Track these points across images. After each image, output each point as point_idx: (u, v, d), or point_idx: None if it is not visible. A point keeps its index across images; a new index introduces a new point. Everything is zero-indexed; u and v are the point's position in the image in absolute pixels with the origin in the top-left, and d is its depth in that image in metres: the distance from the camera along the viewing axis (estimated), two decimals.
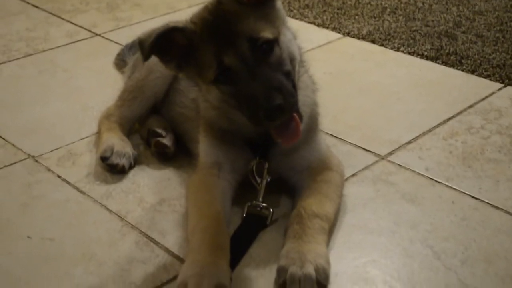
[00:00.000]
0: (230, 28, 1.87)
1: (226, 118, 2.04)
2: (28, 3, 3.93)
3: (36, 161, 2.41)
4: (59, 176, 2.32)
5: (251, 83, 1.83)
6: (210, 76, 1.90)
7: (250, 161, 2.09)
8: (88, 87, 2.93)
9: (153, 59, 2.37)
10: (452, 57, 3.14)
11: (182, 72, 2.01)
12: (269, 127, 1.88)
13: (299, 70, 2.01)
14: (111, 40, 3.42)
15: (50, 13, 3.79)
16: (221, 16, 1.89)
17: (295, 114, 1.88)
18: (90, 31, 3.54)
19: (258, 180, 2.07)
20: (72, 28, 3.58)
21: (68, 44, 3.40)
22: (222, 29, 1.87)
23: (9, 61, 3.23)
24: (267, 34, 1.88)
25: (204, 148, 2.12)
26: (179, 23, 1.93)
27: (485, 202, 2.16)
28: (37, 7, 3.88)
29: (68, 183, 2.28)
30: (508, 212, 2.12)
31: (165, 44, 1.91)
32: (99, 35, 3.50)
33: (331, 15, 3.62)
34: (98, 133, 2.46)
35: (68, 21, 3.68)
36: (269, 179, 2.07)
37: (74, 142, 2.51)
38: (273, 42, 1.89)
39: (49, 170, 2.35)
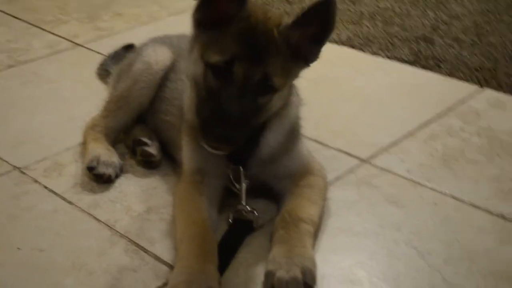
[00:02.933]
0: (265, 50, 1.90)
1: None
2: (8, 14, 3.93)
3: (22, 172, 2.42)
4: (46, 187, 2.33)
5: (226, 98, 1.87)
6: (212, 59, 1.91)
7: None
8: (72, 97, 2.95)
9: (139, 69, 2.41)
10: (430, 61, 3.20)
11: (198, 31, 2.00)
12: (205, 139, 1.93)
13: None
14: (93, 50, 3.43)
15: (31, 24, 3.79)
16: (271, 35, 1.92)
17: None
18: (72, 42, 3.55)
19: (237, 185, 2.09)
20: (54, 39, 3.59)
21: (50, 55, 3.41)
22: (261, 42, 1.90)
23: None
24: (279, 82, 1.93)
25: (187, 154, 2.15)
26: None
27: (466, 202, 2.22)
28: (17, 18, 3.88)
29: (55, 193, 2.29)
30: (488, 212, 2.17)
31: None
32: (81, 45, 3.51)
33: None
34: (84, 144, 2.47)
35: (49, 32, 3.68)
36: (247, 183, 2.09)
37: (59, 153, 2.52)
38: (275, 91, 1.94)
39: (36, 181, 2.36)
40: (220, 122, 1.86)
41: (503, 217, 2.14)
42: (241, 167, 2.08)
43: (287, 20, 1.95)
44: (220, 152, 1.97)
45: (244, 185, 2.08)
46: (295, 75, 2.04)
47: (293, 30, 1.93)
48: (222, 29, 1.93)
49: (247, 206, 2.07)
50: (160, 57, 2.48)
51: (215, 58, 1.91)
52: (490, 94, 2.91)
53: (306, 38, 1.94)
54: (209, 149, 1.95)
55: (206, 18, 1.96)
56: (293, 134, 2.16)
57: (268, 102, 1.95)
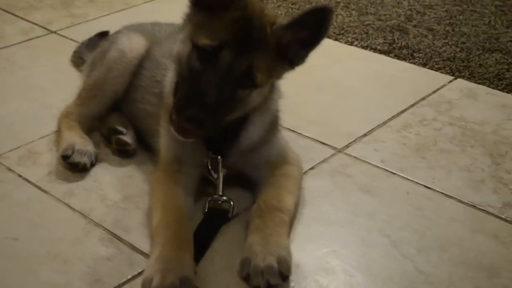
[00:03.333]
0: (254, 45, 1.90)
1: None
2: None
3: None
4: (20, 176, 2.31)
5: (206, 83, 1.88)
6: (201, 41, 1.91)
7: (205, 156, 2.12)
8: (46, 85, 2.92)
9: (113, 56, 2.39)
10: (404, 51, 3.23)
11: (195, 9, 1.99)
12: (176, 117, 1.93)
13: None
14: (67, 37, 3.40)
15: (3, 10, 3.74)
16: (264, 31, 1.92)
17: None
18: (45, 28, 3.52)
19: (214, 175, 2.10)
20: (27, 25, 3.55)
21: (23, 41, 3.37)
22: (251, 37, 1.90)
23: None
24: (261, 78, 1.93)
25: (165, 142, 2.15)
26: None
27: (439, 191, 2.25)
28: None
29: (30, 182, 2.28)
30: (460, 201, 2.20)
31: None
32: (55, 32, 3.48)
33: (286, 10, 3.67)
34: (58, 132, 2.46)
35: (22, 18, 3.64)
36: (224, 173, 2.10)
37: (34, 141, 2.50)
38: (256, 87, 1.95)
39: (9, 169, 2.35)
40: (194, 103, 1.86)
41: (474, 206, 2.18)
42: (219, 157, 2.08)
43: (282, 20, 1.96)
44: (189, 139, 1.98)
45: (221, 175, 2.09)
46: (279, 75, 2.05)
47: (286, 31, 1.94)
48: (218, 13, 1.93)
49: (223, 197, 2.08)
50: (135, 45, 2.47)
51: (204, 41, 1.91)
52: (462, 84, 2.95)
53: (297, 41, 1.95)
54: (177, 136, 1.95)
55: None
56: (273, 126, 2.18)
57: (247, 96, 1.96)
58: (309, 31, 1.93)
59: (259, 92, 2.00)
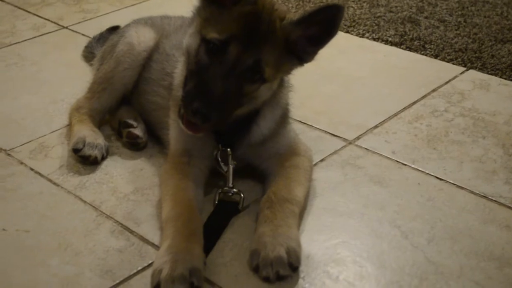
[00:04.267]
0: (262, 39, 1.90)
1: None
2: None
3: (8, 154, 2.41)
4: (32, 169, 2.33)
5: (213, 76, 1.88)
6: (209, 35, 1.91)
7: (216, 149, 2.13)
8: (57, 80, 2.94)
9: (121, 50, 2.40)
10: (415, 42, 3.21)
11: (204, 2, 2.00)
12: (184, 110, 1.92)
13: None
14: (78, 33, 3.42)
15: (16, 6, 3.77)
16: (273, 26, 1.92)
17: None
18: (57, 24, 3.53)
19: (224, 167, 2.11)
20: (39, 21, 3.57)
21: (35, 37, 3.39)
22: (259, 31, 1.90)
23: None
24: (269, 72, 1.93)
25: (174, 135, 2.15)
26: None
27: (450, 182, 2.24)
28: (2, 0, 3.85)
29: (41, 175, 2.29)
30: (471, 192, 2.19)
31: None
32: (66, 27, 3.49)
33: (296, 3, 3.67)
34: (69, 125, 2.47)
35: (34, 14, 3.66)
36: (234, 165, 2.10)
37: (45, 135, 2.52)
38: (263, 81, 1.94)
39: (21, 163, 2.36)
40: (201, 97, 1.86)
41: (486, 197, 2.17)
42: (229, 150, 2.08)
43: (292, 16, 1.95)
44: (197, 133, 1.97)
45: (231, 167, 2.09)
46: (287, 71, 2.04)
47: (296, 27, 1.93)
48: (227, 7, 1.93)
49: (233, 189, 2.08)
50: (143, 38, 2.48)
51: (212, 35, 1.90)
52: (474, 75, 2.93)
53: (306, 38, 1.95)
54: (186, 130, 1.95)
55: None
56: (283, 119, 2.18)
57: (255, 91, 1.95)
58: (319, 28, 1.92)
59: (268, 87, 1.99)
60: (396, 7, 3.60)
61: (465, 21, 3.42)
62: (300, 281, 1.83)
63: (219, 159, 2.10)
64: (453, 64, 3.02)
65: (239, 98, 1.93)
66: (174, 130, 2.15)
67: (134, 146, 2.41)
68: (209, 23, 1.94)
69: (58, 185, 2.25)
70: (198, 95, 1.87)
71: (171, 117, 2.16)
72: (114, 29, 3.04)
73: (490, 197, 2.16)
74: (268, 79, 1.95)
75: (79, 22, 3.54)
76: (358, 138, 2.48)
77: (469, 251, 1.94)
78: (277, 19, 1.93)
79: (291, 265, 1.80)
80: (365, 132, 2.52)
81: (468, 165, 2.33)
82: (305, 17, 1.92)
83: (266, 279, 1.81)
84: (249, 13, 1.91)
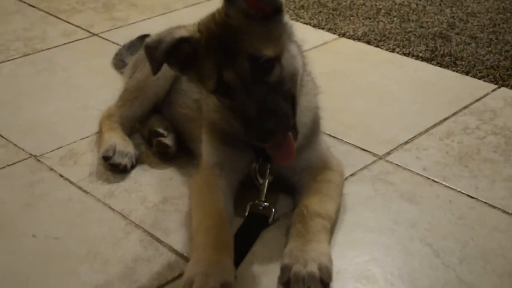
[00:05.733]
0: (233, 44, 1.86)
1: (227, 121, 2.05)
2: (24, 2, 3.94)
3: (38, 160, 2.42)
4: (61, 176, 2.34)
5: (247, 101, 1.85)
6: (210, 87, 1.92)
7: (252, 162, 2.11)
8: (87, 86, 2.95)
9: None
10: (446, 58, 3.18)
11: (185, 75, 2.03)
12: (262, 146, 1.92)
13: (302, 80, 2.02)
14: (108, 40, 3.43)
15: (47, 12, 3.80)
16: (226, 29, 1.88)
17: (290, 133, 1.90)
18: (87, 31, 3.56)
19: (261, 180, 2.10)
20: (69, 28, 3.60)
21: (65, 43, 3.41)
22: (225, 43, 1.87)
23: (7, 60, 3.24)
24: (269, 52, 1.87)
25: (207, 148, 2.15)
26: (186, 32, 1.92)
27: (482, 201, 2.21)
28: (33, 6, 3.89)
29: (71, 182, 2.30)
30: (504, 211, 2.16)
31: (171, 50, 1.91)
32: (96, 34, 3.51)
33: (327, 16, 3.66)
34: (100, 133, 2.48)
35: (64, 21, 3.69)
36: (270, 179, 2.10)
37: (75, 142, 2.53)
38: (275, 60, 1.88)
39: (51, 169, 2.37)
40: (262, 119, 1.82)
41: None
42: (269, 164, 2.08)
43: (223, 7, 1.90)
44: (292, 152, 1.93)
45: (267, 181, 2.08)
46: (278, 32, 1.94)
47: (233, 4, 1.87)
48: (196, 60, 1.93)
49: (265, 202, 2.07)
50: None
51: (211, 83, 1.90)
52: (506, 92, 2.89)
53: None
54: (262, 144, 1.92)
55: (179, 64, 1.97)
56: (315, 125, 2.16)
57: (280, 73, 1.88)
58: None
59: (286, 59, 1.90)
60: (427, 22, 3.58)
61: (496, 38, 3.39)
62: None
63: (257, 172, 2.09)
64: (485, 81, 2.99)
65: (278, 90, 1.88)
66: (207, 144, 2.14)
67: (164, 155, 2.40)
68: (203, 80, 1.94)
69: (87, 193, 2.25)
70: (258, 120, 1.82)
71: (204, 134, 2.16)
72: (144, 37, 3.05)
73: None
74: (275, 54, 1.88)
75: (109, 30, 3.56)
76: (388, 153, 2.46)
77: (502, 271, 1.91)
78: (225, 22, 1.89)
79: (323, 282, 1.78)
80: (395, 148, 2.49)
81: (501, 184, 2.30)
82: None
83: None
84: (209, 46, 1.89)
